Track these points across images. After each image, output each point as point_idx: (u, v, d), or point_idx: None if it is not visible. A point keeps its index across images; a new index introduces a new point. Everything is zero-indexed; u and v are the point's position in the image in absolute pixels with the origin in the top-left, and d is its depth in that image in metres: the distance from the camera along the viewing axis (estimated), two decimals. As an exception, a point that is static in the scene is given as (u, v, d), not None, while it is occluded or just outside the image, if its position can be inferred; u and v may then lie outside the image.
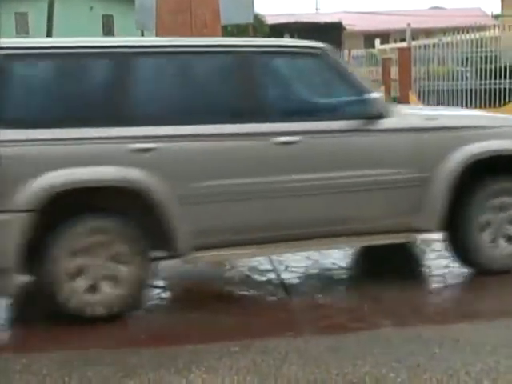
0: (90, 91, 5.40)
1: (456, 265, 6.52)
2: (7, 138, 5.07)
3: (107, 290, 5.31)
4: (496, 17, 43.50)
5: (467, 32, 17.41)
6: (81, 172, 5.17)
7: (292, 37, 29.45)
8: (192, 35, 13.13)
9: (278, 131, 5.58)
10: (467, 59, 17.15)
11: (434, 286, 6.23)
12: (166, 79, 5.57)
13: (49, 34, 19.75)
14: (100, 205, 5.32)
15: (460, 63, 17.71)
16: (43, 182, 5.07)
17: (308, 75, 6.07)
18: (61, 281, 5.20)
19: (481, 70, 16.82)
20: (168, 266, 6.95)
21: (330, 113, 5.82)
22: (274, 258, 7.02)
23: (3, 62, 5.18)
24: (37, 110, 5.27)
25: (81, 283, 5.26)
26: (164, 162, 5.32)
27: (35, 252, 5.18)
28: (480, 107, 16.07)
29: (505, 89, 16.61)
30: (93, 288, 5.29)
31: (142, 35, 22.35)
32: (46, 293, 5.27)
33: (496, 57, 17.07)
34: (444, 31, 19.10)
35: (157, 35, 14.14)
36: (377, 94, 5.82)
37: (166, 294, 6.24)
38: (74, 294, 5.24)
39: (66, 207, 5.19)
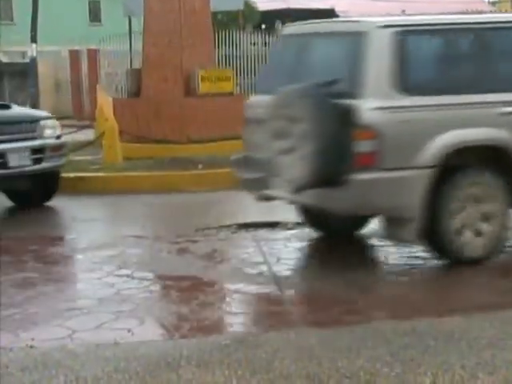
0: (468, 63, 6.51)
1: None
2: (413, 104, 6.13)
3: (484, 236, 6.37)
4: (493, 3, 43.50)
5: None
6: (468, 133, 6.23)
7: (283, 24, 29.37)
8: (180, 22, 13.10)
9: None
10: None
11: (425, 278, 6.26)
12: None
13: (34, 20, 19.64)
14: (471, 162, 6.34)
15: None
16: (442, 142, 6.11)
17: None
18: (454, 230, 6.26)
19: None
20: (157, 257, 6.97)
21: None
22: (266, 249, 7.04)
23: (403, 37, 6.18)
24: (431, 80, 6.36)
25: (468, 232, 6.34)
26: None
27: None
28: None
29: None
30: (476, 233, 6.36)
31: (130, 22, 22.26)
32: (440, 243, 6.28)
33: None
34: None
35: (144, 22, 14.09)
36: None
37: (155, 287, 6.25)
38: (465, 242, 6.31)
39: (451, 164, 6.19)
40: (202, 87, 13.00)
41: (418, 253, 6.81)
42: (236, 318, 5.36)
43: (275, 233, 7.77)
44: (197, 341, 4.84)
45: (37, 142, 9.27)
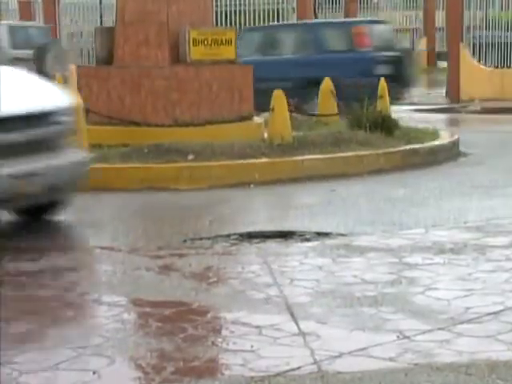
0: None
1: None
2: None
3: None
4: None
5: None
6: None
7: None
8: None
9: None
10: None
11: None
12: None
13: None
14: None
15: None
16: None
17: None
18: None
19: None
20: (132, 276, 6.98)
21: None
22: (275, 267, 7.05)
23: None
24: None
25: None
26: None
27: None
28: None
29: None
30: None
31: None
32: None
33: None
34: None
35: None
36: None
37: (129, 315, 6.27)
38: None
39: None
40: (194, 53, 12.99)
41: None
42: (234, 358, 5.38)
43: (288, 246, 7.79)
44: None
45: None
